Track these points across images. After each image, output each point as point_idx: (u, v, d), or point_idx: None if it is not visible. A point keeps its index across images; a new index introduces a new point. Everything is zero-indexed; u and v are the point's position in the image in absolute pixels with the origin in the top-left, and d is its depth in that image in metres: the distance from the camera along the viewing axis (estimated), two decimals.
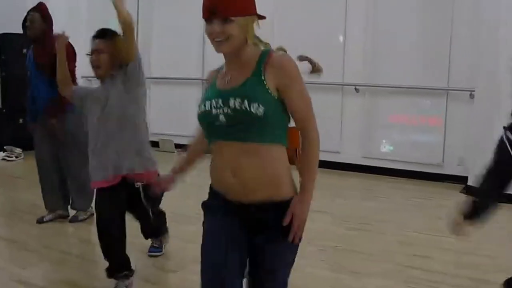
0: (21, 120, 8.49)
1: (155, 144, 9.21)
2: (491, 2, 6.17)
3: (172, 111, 9.06)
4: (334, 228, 4.92)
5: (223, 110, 1.83)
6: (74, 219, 4.86)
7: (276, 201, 1.88)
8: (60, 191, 4.93)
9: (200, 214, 2.07)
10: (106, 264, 3.36)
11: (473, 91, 6.51)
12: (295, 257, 2.02)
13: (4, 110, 8.64)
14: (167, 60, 9.01)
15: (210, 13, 1.81)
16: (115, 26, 3.36)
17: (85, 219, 4.89)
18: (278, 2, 7.32)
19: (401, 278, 3.70)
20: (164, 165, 8.16)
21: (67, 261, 3.97)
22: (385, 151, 7.49)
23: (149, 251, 4.04)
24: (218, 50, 1.87)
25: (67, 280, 3.58)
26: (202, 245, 1.97)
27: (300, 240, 1.89)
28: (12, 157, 7.98)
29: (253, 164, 1.85)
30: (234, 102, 1.80)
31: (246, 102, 1.79)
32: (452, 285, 3.61)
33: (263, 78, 1.83)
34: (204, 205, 2.05)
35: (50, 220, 4.87)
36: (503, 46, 5.86)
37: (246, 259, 1.99)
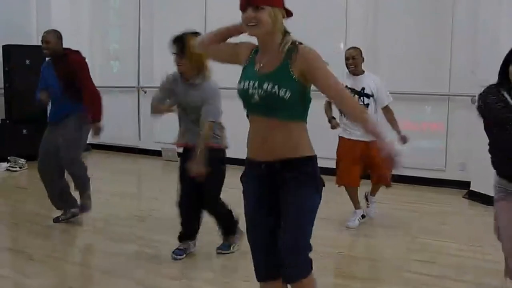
0: (24, 131, 8.55)
1: (157, 152, 9.25)
2: (490, 7, 6.20)
3: (175, 120, 9.06)
4: (337, 235, 4.92)
5: (257, 91, 2.33)
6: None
7: (293, 158, 2.37)
8: (63, 191, 5.05)
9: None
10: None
11: (474, 96, 6.52)
12: (316, 208, 2.42)
13: (8, 121, 8.68)
14: (170, 69, 9.01)
15: (245, 3, 2.30)
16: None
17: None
18: None
19: (406, 284, 3.70)
20: (167, 174, 8.20)
21: (71, 270, 3.98)
22: None
23: (218, 248, 4.28)
24: (251, 33, 2.34)
25: None
26: (245, 208, 2.54)
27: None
28: (16, 167, 8.02)
29: (277, 134, 2.35)
30: (267, 86, 2.30)
31: (276, 87, 2.28)
32: None
33: (290, 67, 2.31)
34: (241, 178, 2.57)
35: (66, 220, 5.06)
36: (503, 51, 5.86)
37: (273, 212, 2.45)
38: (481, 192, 6.23)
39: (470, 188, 6.53)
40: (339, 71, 6.25)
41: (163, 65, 9.56)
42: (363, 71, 5.16)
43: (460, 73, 6.86)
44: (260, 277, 2.51)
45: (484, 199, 6.07)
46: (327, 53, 6.82)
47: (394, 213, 5.77)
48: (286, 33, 2.40)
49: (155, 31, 9.45)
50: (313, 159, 2.43)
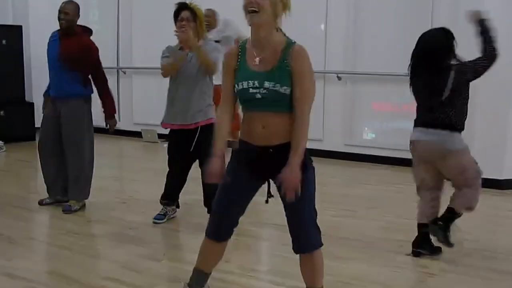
0: (2, 112, 8.41)
1: (137, 134, 9.18)
2: None
3: (154, 101, 8.99)
4: (319, 216, 4.94)
5: (259, 90, 2.46)
6: (68, 209, 4.80)
7: (285, 143, 2.51)
8: (59, 178, 4.96)
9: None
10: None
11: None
12: (313, 181, 2.66)
13: None
14: (149, 49, 8.91)
15: None
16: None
17: (78, 209, 4.86)
18: None
19: (387, 264, 3.75)
20: (147, 155, 8.12)
21: (53, 253, 3.96)
22: (367, 138, 7.53)
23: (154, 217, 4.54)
24: (251, 20, 2.41)
25: (54, 272, 3.58)
26: (221, 185, 2.68)
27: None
28: None
29: (277, 123, 2.51)
30: (268, 84, 2.44)
31: (278, 85, 2.44)
32: (438, 269, 3.68)
33: (287, 65, 2.45)
34: (233, 153, 2.72)
35: (49, 203, 4.98)
36: None
37: (248, 199, 2.75)
38: None
39: None
40: (321, 53, 6.30)
41: (142, 45, 9.53)
42: None
43: None
44: (218, 237, 2.76)
45: None
46: (308, 35, 6.79)
47: (378, 194, 5.82)
48: (280, 30, 2.53)
49: (134, 12, 9.31)
50: None
